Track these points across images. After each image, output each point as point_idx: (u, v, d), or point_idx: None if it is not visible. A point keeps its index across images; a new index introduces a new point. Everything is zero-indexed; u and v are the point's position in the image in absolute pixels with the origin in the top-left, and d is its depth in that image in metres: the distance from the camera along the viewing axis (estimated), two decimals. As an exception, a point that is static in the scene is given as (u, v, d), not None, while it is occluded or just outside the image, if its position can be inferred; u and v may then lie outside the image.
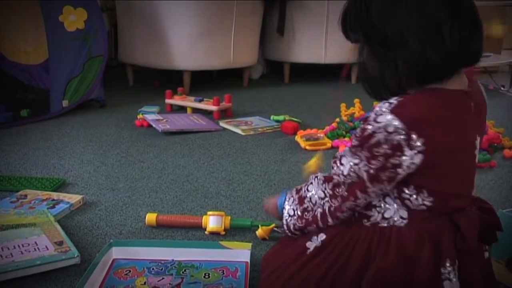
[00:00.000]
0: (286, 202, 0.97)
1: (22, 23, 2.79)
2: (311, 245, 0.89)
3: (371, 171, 0.79)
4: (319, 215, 0.88)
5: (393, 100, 0.78)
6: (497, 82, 3.41)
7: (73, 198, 1.43)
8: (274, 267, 0.92)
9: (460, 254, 0.81)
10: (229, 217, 1.28)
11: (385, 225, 0.83)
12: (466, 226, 0.81)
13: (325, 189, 0.88)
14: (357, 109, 2.42)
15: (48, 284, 1.04)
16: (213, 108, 2.46)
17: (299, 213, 0.92)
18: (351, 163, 0.82)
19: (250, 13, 3.15)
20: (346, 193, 0.84)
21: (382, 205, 0.84)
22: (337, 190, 0.85)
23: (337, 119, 2.28)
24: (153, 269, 1.08)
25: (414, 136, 0.75)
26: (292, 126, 2.19)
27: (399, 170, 0.77)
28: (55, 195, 1.46)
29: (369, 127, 0.78)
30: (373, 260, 0.81)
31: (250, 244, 1.16)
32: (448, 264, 0.80)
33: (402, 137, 0.75)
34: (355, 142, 0.81)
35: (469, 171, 0.85)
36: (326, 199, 0.87)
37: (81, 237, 1.24)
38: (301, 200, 0.93)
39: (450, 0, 0.75)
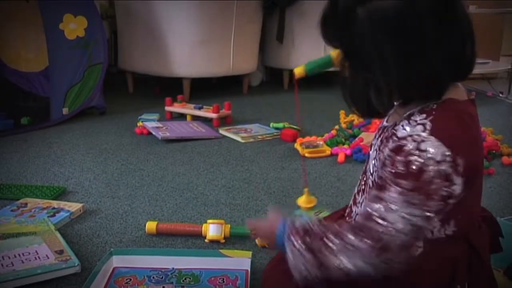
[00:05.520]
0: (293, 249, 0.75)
1: (23, 31, 2.82)
2: None
3: (430, 213, 0.67)
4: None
5: (423, 120, 0.69)
6: (495, 88, 3.42)
7: (73, 207, 1.44)
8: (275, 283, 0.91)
9: (472, 271, 0.77)
10: (229, 225, 1.29)
11: None
12: (481, 246, 0.77)
13: (372, 261, 0.69)
14: (356, 116, 2.42)
15: (49, 293, 1.05)
16: (213, 115, 2.47)
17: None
18: (406, 216, 0.66)
19: (250, 21, 3.16)
20: (401, 252, 0.69)
21: None
22: (386, 255, 0.68)
23: (336, 127, 2.29)
24: (153, 277, 1.08)
25: (459, 161, 0.66)
26: (291, 133, 2.20)
27: (450, 201, 0.68)
28: (55, 203, 1.47)
29: (416, 159, 0.66)
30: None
31: (250, 253, 1.16)
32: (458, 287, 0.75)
33: (449, 164, 0.66)
34: (408, 185, 0.66)
35: (482, 187, 0.80)
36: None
37: (82, 246, 1.24)
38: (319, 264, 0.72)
39: (441, 14, 0.66)
